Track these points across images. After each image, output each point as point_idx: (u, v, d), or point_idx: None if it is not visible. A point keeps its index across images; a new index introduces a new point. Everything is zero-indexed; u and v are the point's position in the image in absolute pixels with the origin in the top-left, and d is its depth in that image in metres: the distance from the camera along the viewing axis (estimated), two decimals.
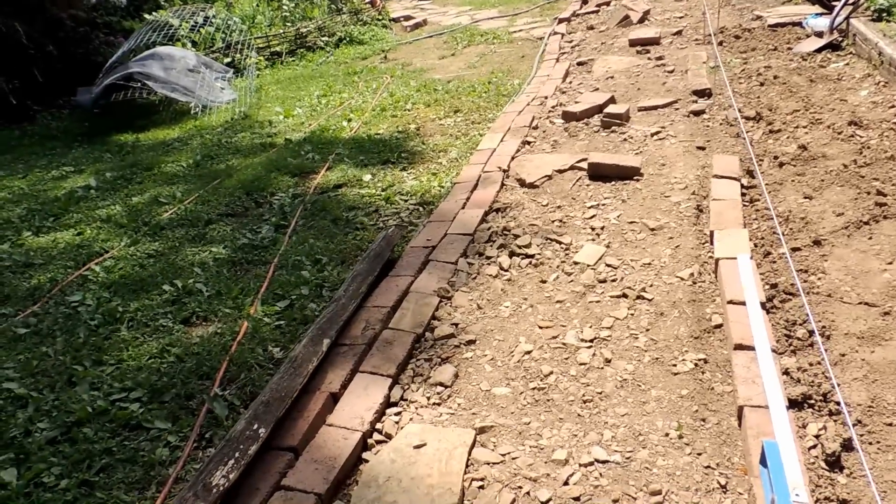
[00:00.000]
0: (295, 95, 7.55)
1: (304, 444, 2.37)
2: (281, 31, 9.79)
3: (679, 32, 7.26)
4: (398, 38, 10.18)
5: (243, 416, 2.35)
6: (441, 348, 2.89)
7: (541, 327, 2.95)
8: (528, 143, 4.93)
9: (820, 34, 5.98)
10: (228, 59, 8.67)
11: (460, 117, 5.90)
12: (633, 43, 7.04)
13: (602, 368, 2.66)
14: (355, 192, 4.61)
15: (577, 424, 2.40)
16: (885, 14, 5.52)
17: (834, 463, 2.13)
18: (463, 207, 4.04)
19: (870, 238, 3.18)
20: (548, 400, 2.53)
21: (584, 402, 2.50)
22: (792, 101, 4.86)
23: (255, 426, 2.28)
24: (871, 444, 2.18)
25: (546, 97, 5.87)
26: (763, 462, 2.02)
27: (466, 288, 3.29)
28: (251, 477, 2.24)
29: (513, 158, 4.63)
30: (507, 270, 3.39)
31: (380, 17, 10.92)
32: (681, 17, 8.00)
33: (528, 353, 2.80)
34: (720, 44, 6.57)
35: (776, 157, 4.10)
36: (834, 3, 6.13)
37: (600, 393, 2.54)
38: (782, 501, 1.80)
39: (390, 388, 2.66)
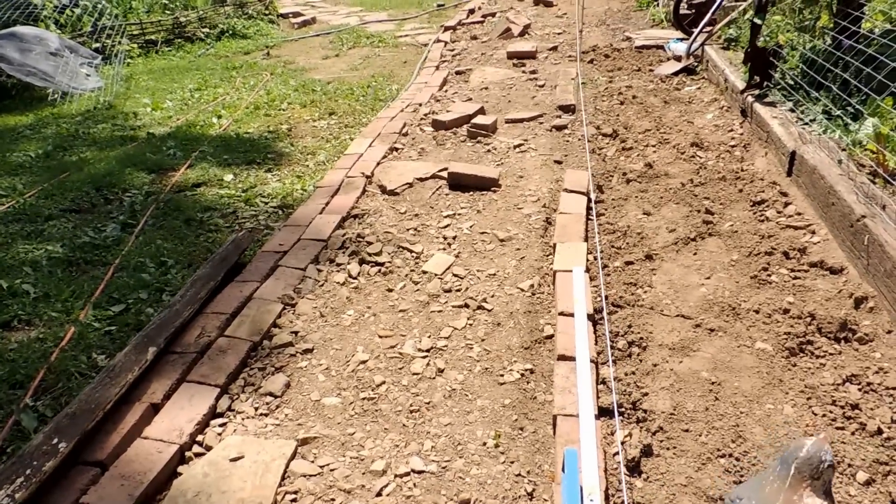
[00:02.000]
0: (167, 87, 7.23)
1: (114, 459, 2.26)
2: (160, 18, 9.35)
3: (555, 48, 7.52)
4: (284, 34, 9.98)
5: (43, 430, 2.22)
6: (277, 357, 2.84)
7: (381, 336, 2.96)
8: (396, 149, 4.95)
9: (679, 58, 6.36)
10: (98, 45, 8.19)
11: (334, 120, 5.84)
12: (510, 55, 7.22)
13: (434, 378, 2.70)
14: (214, 192, 4.46)
15: (401, 435, 2.42)
16: (733, 43, 5.94)
17: (634, 468, 2.26)
18: (321, 212, 3.99)
19: (695, 254, 3.40)
20: (376, 410, 2.55)
21: (412, 412, 2.53)
22: (646, 121, 5.14)
23: (55, 440, 2.16)
24: (668, 449, 2.32)
25: (420, 104, 5.92)
26: (564, 469, 2.11)
27: (312, 295, 3.26)
28: (50, 495, 2.12)
29: (378, 164, 4.63)
30: (355, 278, 3.39)
31: (267, 12, 10.66)
32: (559, 34, 8.29)
33: (364, 362, 2.80)
34: (591, 62, 6.85)
35: (625, 174, 4.31)
36: (693, 30, 6.54)
37: (428, 403, 2.57)
38: None
39: (217, 399, 2.58)
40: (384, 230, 3.80)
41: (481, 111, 5.42)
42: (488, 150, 4.81)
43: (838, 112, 3.85)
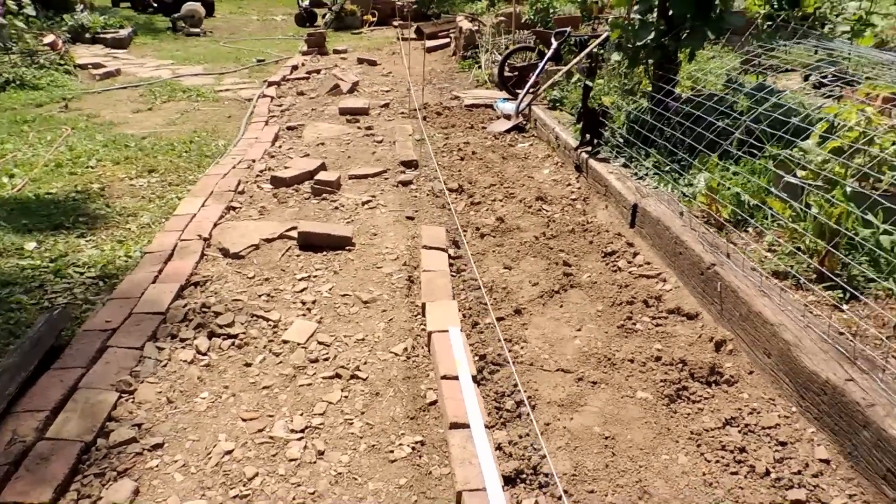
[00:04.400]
0: None
1: None
2: None
3: (386, 105, 7.54)
4: (84, 86, 9.04)
5: None
6: (118, 458, 2.36)
7: (245, 420, 2.58)
8: (234, 208, 4.56)
9: (508, 117, 6.64)
10: None
11: (156, 178, 5.29)
12: (343, 112, 7.11)
13: (315, 463, 2.38)
14: (13, 263, 3.76)
15: None
16: (558, 104, 6.31)
17: None
18: (154, 282, 3.50)
19: (561, 306, 3.41)
20: None
21: None
22: (488, 176, 5.23)
23: None
24: None
25: (254, 160, 5.56)
26: None
27: (155, 378, 2.79)
28: None
29: (215, 225, 4.21)
30: (205, 354, 2.97)
31: (62, 62, 9.62)
32: (387, 91, 8.35)
33: (230, 452, 2.41)
34: (424, 119, 6.93)
35: (478, 228, 4.31)
36: (518, 92, 6.87)
37: (313, 493, 2.25)
38: None
39: None
40: (233, 298, 3.41)
41: (323, 167, 5.20)
42: (336, 208, 4.58)
43: (668, 167, 4.15)
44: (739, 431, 2.52)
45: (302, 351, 3.02)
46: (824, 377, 2.40)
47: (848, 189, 2.83)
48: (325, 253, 3.93)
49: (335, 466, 2.37)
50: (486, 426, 2.48)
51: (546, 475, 2.35)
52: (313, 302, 3.41)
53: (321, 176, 4.91)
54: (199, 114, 7.57)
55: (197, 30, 14.22)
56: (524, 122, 6.47)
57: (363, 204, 4.65)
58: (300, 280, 3.61)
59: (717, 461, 2.38)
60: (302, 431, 2.53)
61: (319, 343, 3.08)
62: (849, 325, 2.67)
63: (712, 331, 3.08)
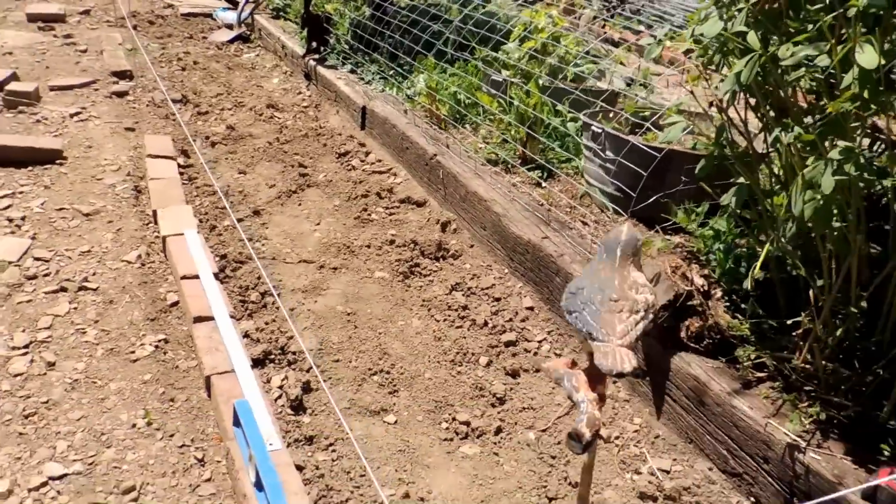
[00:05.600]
0: None
1: None
2: None
3: (87, 12, 6.71)
4: None
5: None
6: None
7: None
8: None
9: (230, 26, 6.33)
10: None
11: None
12: (32, 18, 6.17)
13: (45, 374, 2.24)
14: None
15: (21, 445, 1.96)
16: (281, 13, 6.17)
17: (298, 407, 2.26)
18: None
19: (299, 204, 3.50)
20: None
21: (27, 417, 2.06)
22: (214, 86, 5.01)
23: None
24: (325, 381, 2.39)
25: None
26: (237, 423, 1.99)
27: None
28: None
29: None
30: None
31: None
32: None
33: None
34: (135, 28, 6.31)
35: (208, 137, 4.16)
36: (238, 0, 6.57)
37: (47, 402, 2.13)
38: (258, 453, 1.80)
39: None
40: None
41: (14, 77, 4.54)
42: (38, 121, 4.07)
43: (392, 71, 4.36)
44: (463, 294, 2.88)
45: (15, 269, 2.73)
46: (526, 238, 2.83)
47: (541, 81, 3.26)
48: (30, 168, 3.51)
49: (70, 374, 2.25)
50: (232, 317, 2.52)
51: (294, 353, 2.47)
52: (23, 218, 3.07)
53: (13, 86, 4.30)
54: None
55: None
56: (248, 32, 6.24)
57: (72, 116, 4.19)
58: (2, 197, 3.21)
59: (445, 320, 2.70)
60: (26, 347, 2.34)
61: (37, 259, 2.81)
62: (546, 198, 3.14)
63: (438, 214, 3.40)
